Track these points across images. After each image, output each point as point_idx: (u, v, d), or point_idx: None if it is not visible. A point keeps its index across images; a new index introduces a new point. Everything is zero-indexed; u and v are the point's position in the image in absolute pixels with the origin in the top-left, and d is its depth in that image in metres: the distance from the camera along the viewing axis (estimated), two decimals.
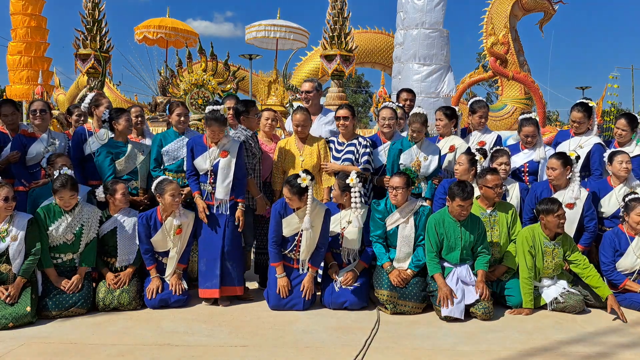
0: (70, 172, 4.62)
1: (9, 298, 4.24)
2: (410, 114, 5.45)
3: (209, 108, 4.86)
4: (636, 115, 5.73)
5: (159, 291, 4.70)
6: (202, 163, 4.84)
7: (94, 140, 5.40)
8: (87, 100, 5.81)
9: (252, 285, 5.42)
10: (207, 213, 4.80)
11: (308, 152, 5.34)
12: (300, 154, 5.34)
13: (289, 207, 4.78)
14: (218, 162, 4.81)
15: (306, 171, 4.68)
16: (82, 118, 6.03)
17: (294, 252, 4.81)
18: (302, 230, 4.68)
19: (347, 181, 4.80)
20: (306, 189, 4.62)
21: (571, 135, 5.72)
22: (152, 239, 4.81)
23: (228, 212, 4.82)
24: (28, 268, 4.42)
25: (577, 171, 5.01)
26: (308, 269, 4.78)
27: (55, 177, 4.60)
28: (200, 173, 4.89)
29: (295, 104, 9.27)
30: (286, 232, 4.76)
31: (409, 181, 4.80)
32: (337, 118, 5.42)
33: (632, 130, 5.54)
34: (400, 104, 6.17)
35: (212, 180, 4.83)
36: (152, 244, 4.83)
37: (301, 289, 4.67)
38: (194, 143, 4.94)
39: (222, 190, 4.79)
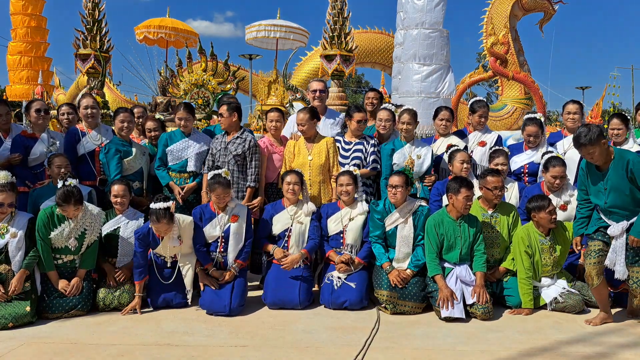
0: (75, 181, 4.50)
1: (10, 292, 4.28)
2: (400, 109, 5.54)
3: (210, 174, 4.81)
4: (625, 114, 5.81)
5: (137, 309, 4.56)
6: (212, 230, 4.75)
7: (87, 140, 5.41)
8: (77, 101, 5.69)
9: (251, 284, 5.43)
10: (226, 279, 4.65)
11: (317, 151, 5.32)
12: (309, 154, 5.31)
13: (279, 205, 4.99)
14: (229, 227, 4.78)
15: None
16: (71, 117, 5.96)
17: (286, 249, 4.91)
18: (291, 226, 4.87)
19: (355, 173, 4.93)
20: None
21: (564, 135, 5.75)
22: (154, 250, 4.74)
23: (238, 273, 4.76)
24: (30, 262, 4.43)
25: (573, 174, 5.12)
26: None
27: (59, 187, 4.48)
28: (210, 241, 4.79)
29: (295, 104, 9.24)
30: (277, 228, 4.93)
31: (408, 180, 4.82)
32: (358, 121, 5.33)
33: (627, 129, 5.59)
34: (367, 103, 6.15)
35: (222, 249, 4.76)
36: (154, 253, 4.76)
37: (283, 264, 4.79)
38: (201, 212, 4.82)
39: (234, 255, 4.78)
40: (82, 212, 4.57)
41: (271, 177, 5.48)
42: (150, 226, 4.63)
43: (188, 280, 4.75)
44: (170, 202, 4.58)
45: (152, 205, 4.53)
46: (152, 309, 4.66)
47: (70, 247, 4.57)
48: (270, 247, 4.93)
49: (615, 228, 4.10)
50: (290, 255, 4.85)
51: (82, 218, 4.58)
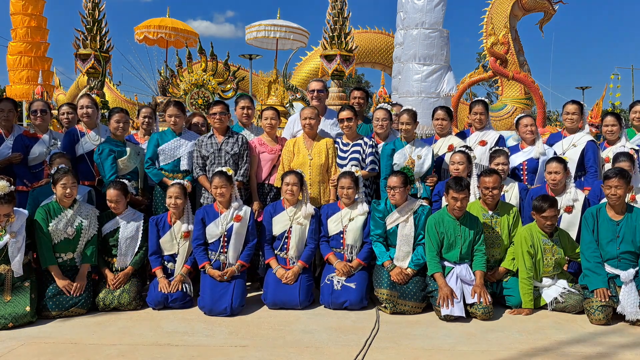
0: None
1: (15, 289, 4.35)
2: (401, 110, 5.60)
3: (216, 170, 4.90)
4: (618, 113, 5.88)
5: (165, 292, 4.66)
6: (215, 229, 4.80)
7: (86, 140, 5.41)
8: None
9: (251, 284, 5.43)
10: (225, 278, 4.67)
11: (317, 151, 5.31)
12: (309, 153, 5.31)
13: (278, 206, 4.99)
14: (232, 226, 4.80)
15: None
16: (71, 117, 5.99)
17: (285, 251, 4.91)
18: (291, 227, 4.88)
19: (357, 175, 4.93)
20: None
21: (563, 136, 5.78)
22: (160, 240, 4.84)
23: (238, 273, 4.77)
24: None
25: (572, 175, 5.10)
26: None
27: (54, 172, 4.65)
28: (211, 240, 4.82)
29: (296, 104, 9.22)
30: (276, 229, 4.93)
31: (407, 180, 4.82)
32: (340, 120, 5.41)
33: (620, 127, 5.66)
34: (350, 103, 6.17)
35: (224, 244, 4.78)
36: (161, 245, 4.84)
37: (284, 280, 4.72)
38: (205, 212, 4.89)
39: (235, 254, 4.82)
40: (77, 204, 4.72)
41: (261, 176, 5.47)
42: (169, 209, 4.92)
43: (178, 268, 4.84)
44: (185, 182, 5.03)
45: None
46: (151, 308, 4.66)
47: (69, 236, 4.61)
48: (274, 265, 4.88)
49: (627, 275, 4.41)
50: (289, 271, 4.77)
51: (78, 209, 4.71)
